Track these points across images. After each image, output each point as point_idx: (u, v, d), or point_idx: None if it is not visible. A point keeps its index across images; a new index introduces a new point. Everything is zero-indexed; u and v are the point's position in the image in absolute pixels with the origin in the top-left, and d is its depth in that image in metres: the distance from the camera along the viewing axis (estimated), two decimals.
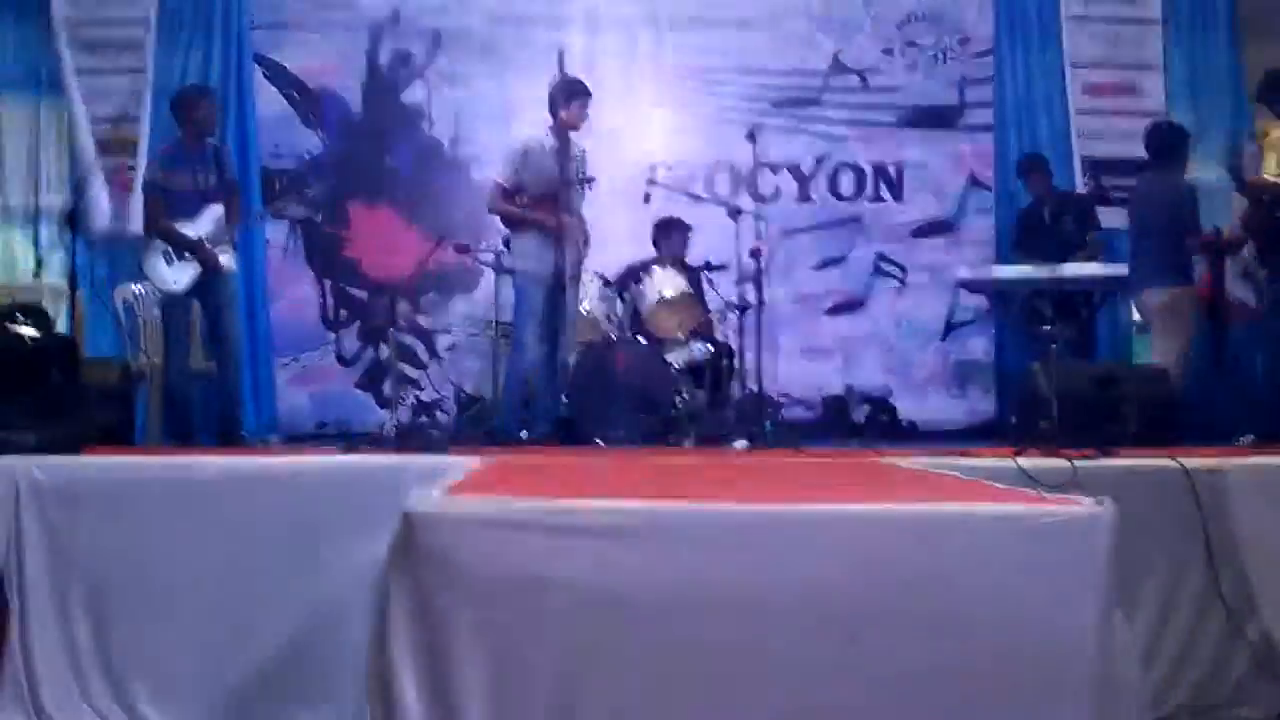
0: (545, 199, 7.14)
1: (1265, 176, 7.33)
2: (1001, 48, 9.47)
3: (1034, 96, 9.42)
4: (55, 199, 9.03)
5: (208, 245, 6.98)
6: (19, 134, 9.26)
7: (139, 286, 7.94)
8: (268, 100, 9.34)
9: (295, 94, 9.41)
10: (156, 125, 8.59)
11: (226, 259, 7.11)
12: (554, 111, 7.22)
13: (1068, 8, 9.36)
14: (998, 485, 3.62)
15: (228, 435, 7.00)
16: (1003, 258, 8.71)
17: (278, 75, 9.36)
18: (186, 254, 6.96)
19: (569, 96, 7.18)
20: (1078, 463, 4.56)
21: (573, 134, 7.25)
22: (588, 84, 7.35)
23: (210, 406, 7.37)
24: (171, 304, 7.11)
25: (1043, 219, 8.51)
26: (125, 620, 4.51)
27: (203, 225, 7.00)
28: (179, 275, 6.97)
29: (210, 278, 7.03)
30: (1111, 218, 8.81)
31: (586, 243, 7.48)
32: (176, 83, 8.51)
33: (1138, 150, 9.02)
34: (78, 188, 8.13)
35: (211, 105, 7.38)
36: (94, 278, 8.47)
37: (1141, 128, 8.22)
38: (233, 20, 9.18)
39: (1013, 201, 9.11)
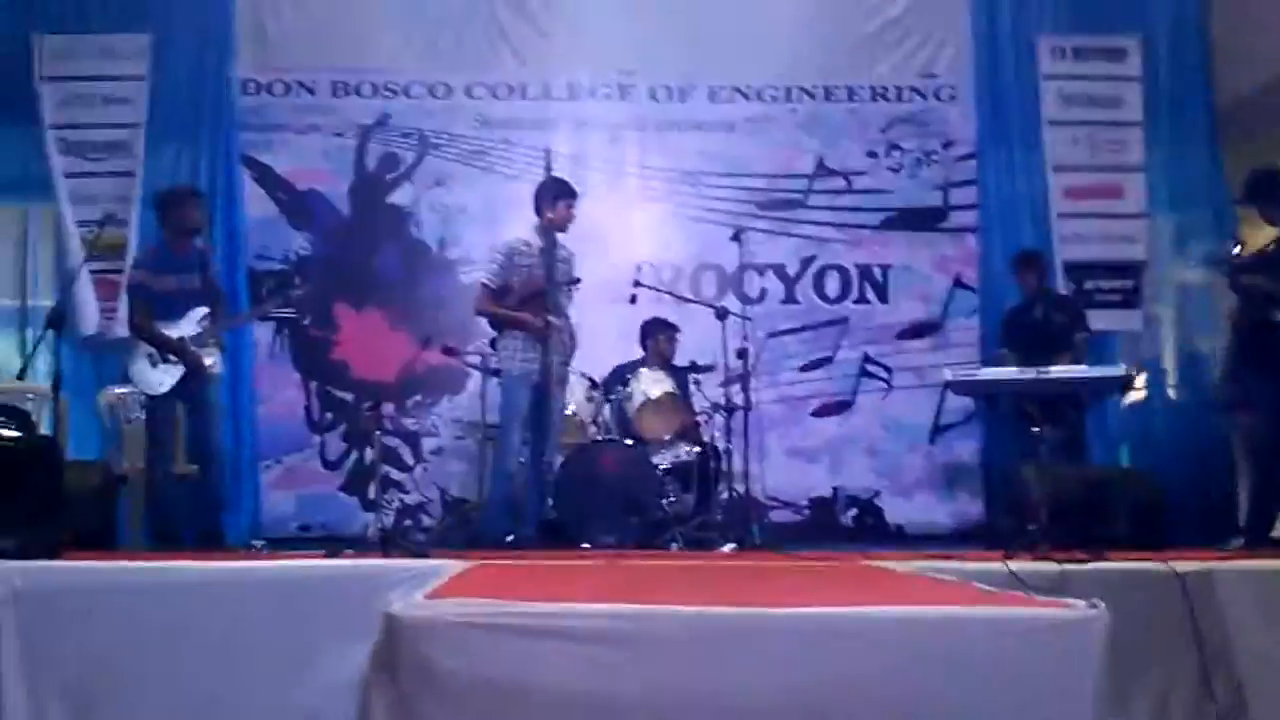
0: (532, 300, 7.14)
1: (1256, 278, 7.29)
2: (984, 150, 9.52)
3: (1017, 199, 9.47)
4: (44, 301, 9.02)
5: (192, 347, 6.97)
6: (8, 237, 9.30)
7: (123, 389, 7.91)
8: (255, 202, 9.33)
9: (283, 196, 9.40)
10: (145, 228, 8.58)
11: (211, 361, 7.07)
12: (540, 212, 7.24)
13: (1048, 111, 9.44)
14: (988, 588, 3.59)
15: (210, 539, 6.90)
16: (987, 359, 8.66)
17: (265, 177, 9.36)
18: (171, 356, 6.94)
19: (555, 197, 7.20)
20: (1067, 566, 4.54)
21: (559, 235, 7.27)
22: (574, 185, 7.39)
23: (193, 510, 7.22)
24: (156, 407, 7.05)
25: (1033, 316, 8.38)
26: None
27: (187, 327, 7.00)
28: (163, 377, 6.95)
29: (195, 380, 6.99)
30: (1098, 320, 8.80)
31: (573, 344, 7.47)
32: (165, 185, 8.52)
33: (1119, 253, 9.07)
34: (64, 290, 8.10)
35: (199, 206, 7.39)
36: (79, 380, 8.43)
37: (1124, 230, 8.21)
38: (221, 123, 9.26)
39: (998, 303, 9.08)
